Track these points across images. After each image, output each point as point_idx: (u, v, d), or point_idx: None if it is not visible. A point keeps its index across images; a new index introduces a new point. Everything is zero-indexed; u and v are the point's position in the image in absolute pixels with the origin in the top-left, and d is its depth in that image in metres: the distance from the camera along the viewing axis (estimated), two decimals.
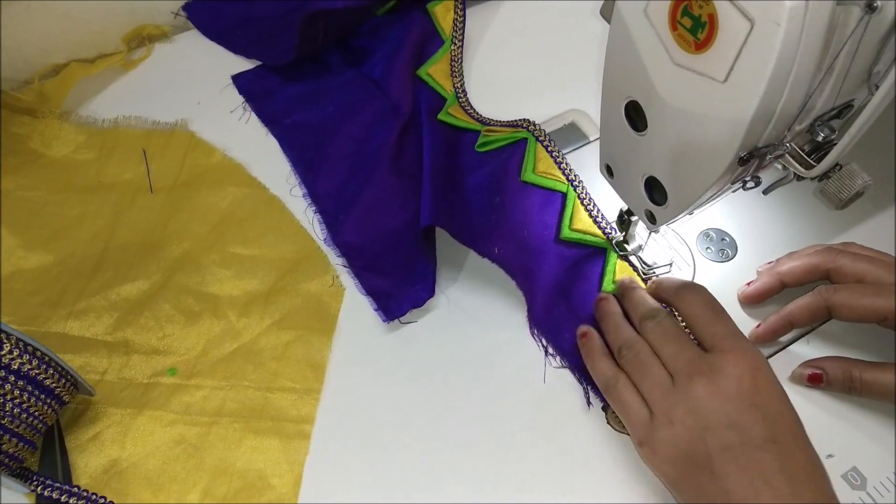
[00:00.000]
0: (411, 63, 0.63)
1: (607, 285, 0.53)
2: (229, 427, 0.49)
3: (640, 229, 0.54)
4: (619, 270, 0.53)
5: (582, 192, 0.55)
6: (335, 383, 0.51)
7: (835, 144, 0.38)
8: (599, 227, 0.54)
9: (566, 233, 0.53)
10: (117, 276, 0.54)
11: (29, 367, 0.43)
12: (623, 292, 0.52)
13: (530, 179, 0.55)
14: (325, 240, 0.56)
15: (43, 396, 0.44)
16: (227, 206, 0.59)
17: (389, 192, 0.55)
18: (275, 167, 0.61)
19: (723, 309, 0.47)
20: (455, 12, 0.63)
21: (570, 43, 0.69)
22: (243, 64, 0.67)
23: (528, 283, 0.53)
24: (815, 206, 0.55)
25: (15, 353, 0.42)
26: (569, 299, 0.52)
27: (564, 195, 0.55)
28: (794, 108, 0.36)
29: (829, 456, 0.47)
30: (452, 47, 0.63)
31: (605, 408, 0.49)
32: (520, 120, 0.58)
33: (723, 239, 0.57)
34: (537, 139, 0.57)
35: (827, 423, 0.49)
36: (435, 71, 0.63)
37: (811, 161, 0.39)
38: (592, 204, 0.55)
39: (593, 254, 0.54)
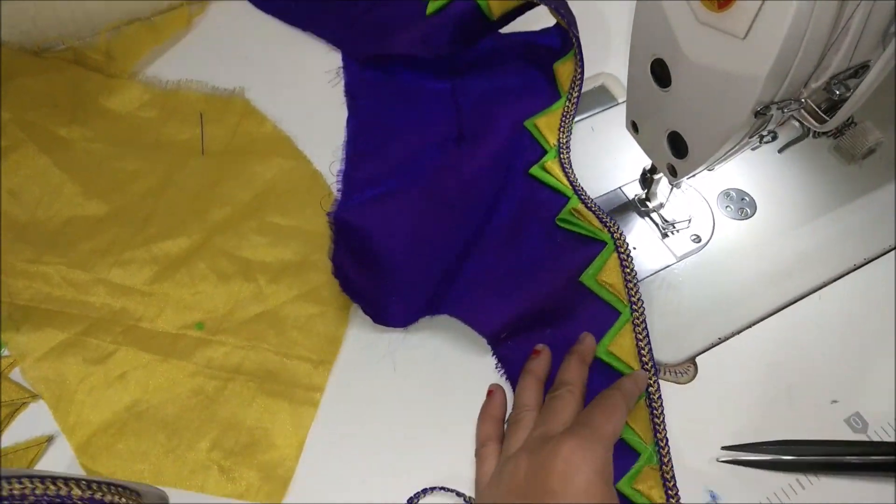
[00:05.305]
0: (511, 109, 0.61)
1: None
2: (245, 385, 0.52)
3: (661, 187, 0.57)
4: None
5: (638, 319, 0.52)
6: (347, 358, 0.53)
7: None
8: (640, 356, 0.51)
9: (600, 351, 0.52)
10: (161, 232, 0.58)
11: None
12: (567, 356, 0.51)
13: (590, 285, 0.53)
14: (328, 213, 0.55)
15: None
16: (271, 177, 0.61)
17: (409, 209, 0.54)
18: (322, 144, 0.63)
19: (619, 406, 0.45)
20: (575, 70, 0.62)
21: (601, 9, 0.70)
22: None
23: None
24: (831, 163, 0.60)
25: None
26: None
27: (619, 315, 0.52)
28: (809, 65, 0.38)
29: (834, 402, 0.50)
30: (567, 103, 0.62)
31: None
32: (610, 220, 0.54)
33: (742, 199, 0.59)
34: (617, 249, 0.53)
35: (832, 370, 0.52)
36: (542, 122, 0.61)
37: (825, 116, 0.41)
38: (644, 334, 0.51)
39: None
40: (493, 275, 0.55)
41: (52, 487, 0.37)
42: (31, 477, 0.38)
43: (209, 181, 0.61)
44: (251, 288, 0.56)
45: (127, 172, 0.61)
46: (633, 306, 0.52)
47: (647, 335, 0.51)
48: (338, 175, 0.61)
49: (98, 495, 0.39)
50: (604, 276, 0.53)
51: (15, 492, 0.37)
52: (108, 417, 0.50)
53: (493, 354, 0.53)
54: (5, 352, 0.53)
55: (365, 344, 0.54)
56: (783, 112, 0.40)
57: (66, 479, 0.38)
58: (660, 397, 0.49)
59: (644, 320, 0.51)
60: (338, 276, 0.53)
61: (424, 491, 0.47)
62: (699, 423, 0.50)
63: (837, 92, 0.40)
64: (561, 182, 0.57)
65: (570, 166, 0.59)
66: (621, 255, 0.53)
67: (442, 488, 0.47)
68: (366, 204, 0.57)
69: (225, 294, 0.56)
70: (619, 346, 0.51)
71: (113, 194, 0.60)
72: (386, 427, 0.50)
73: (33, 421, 0.50)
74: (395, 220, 0.53)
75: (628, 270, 0.53)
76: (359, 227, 0.52)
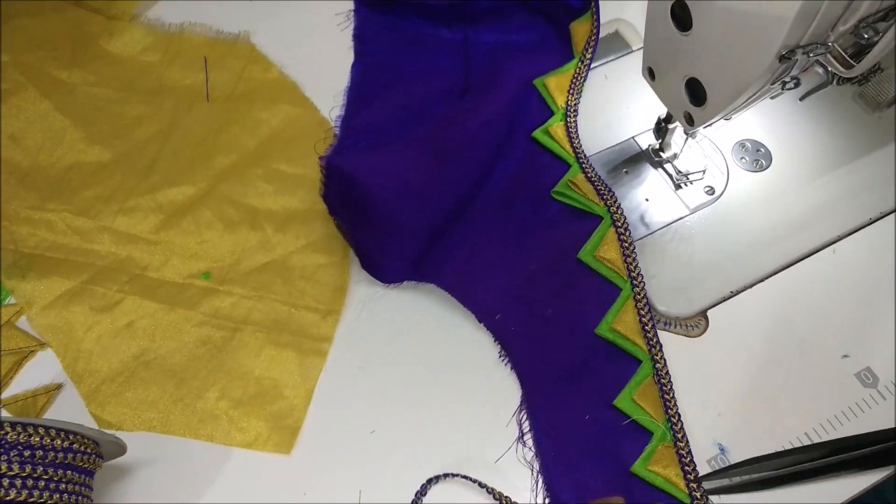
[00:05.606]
0: (521, 65, 0.60)
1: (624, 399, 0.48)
2: (252, 335, 0.52)
3: (676, 137, 0.56)
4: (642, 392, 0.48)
5: (639, 294, 0.50)
6: (355, 308, 0.53)
7: None
8: (643, 331, 0.49)
9: (603, 329, 0.50)
10: (166, 179, 0.57)
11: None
12: None
13: (588, 261, 0.52)
14: (320, 157, 0.52)
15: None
16: (277, 124, 0.60)
17: (402, 159, 0.53)
18: (329, 90, 0.61)
19: None
20: (591, 31, 0.61)
21: None
22: None
23: (534, 362, 0.50)
24: (851, 113, 0.59)
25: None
26: (583, 395, 0.49)
27: (619, 291, 0.51)
28: (838, 6, 0.37)
29: (845, 356, 0.50)
30: (579, 64, 0.60)
31: None
32: (608, 191, 0.53)
33: (758, 150, 0.58)
34: (614, 224, 0.52)
35: (844, 325, 0.52)
36: (552, 82, 0.59)
37: (852, 62, 0.40)
38: (647, 309, 0.50)
39: (625, 357, 0.50)
40: (486, 240, 0.54)
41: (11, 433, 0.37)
42: None
43: (214, 128, 0.60)
44: (258, 237, 0.55)
45: (129, 118, 0.60)
46: (634, 281, 0.51)
47: (650, 310, 0.50)
48: (336, 120, 0.59)
49: (58, 441, 0.39)
50: (602, 251, 0.52)
51: None
52: (115, 366, 0.50)
53: (495, 341, 0.51)
54: (11, 299, 0.52)
55: (370, 295, 0.53)
56: (809, 57, 0.39)
57: (24, 425, 0.38)
58: (668, 373, 0.48)
59: (645, 295, 0.50)
60: (332, 214, 0.53)
61: (429, 481, 0.46)
62: (709, 377, 0.50)
63: (866, 36, 0.39)
64: (564, 148, 0.56)
65: (576, 131, 0.57)
66: (619, 230, 0.52)
67: (456, 475, 0.46)
68: (359, 151, 0.56)
69: (231, 243, 0.55)
70: (622, 322, 0.50)
71: (116, 140, 0.59)
72: (395, 378, 0.50)
73: (43, 369, 0.50)
74: (386, 170, 0.52)
75: (626, 244, 0.52)
76: (348, 173, 0.51)
